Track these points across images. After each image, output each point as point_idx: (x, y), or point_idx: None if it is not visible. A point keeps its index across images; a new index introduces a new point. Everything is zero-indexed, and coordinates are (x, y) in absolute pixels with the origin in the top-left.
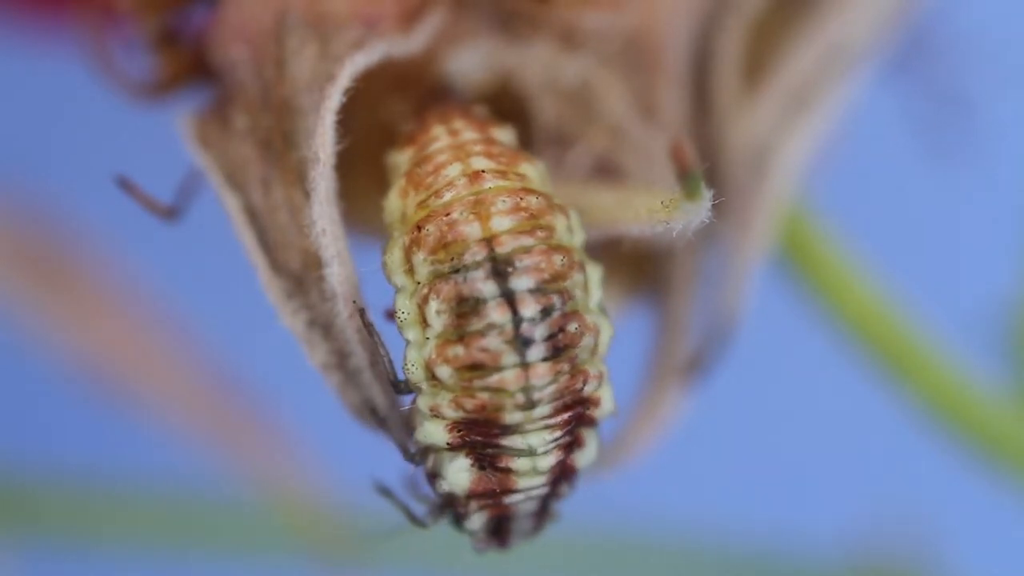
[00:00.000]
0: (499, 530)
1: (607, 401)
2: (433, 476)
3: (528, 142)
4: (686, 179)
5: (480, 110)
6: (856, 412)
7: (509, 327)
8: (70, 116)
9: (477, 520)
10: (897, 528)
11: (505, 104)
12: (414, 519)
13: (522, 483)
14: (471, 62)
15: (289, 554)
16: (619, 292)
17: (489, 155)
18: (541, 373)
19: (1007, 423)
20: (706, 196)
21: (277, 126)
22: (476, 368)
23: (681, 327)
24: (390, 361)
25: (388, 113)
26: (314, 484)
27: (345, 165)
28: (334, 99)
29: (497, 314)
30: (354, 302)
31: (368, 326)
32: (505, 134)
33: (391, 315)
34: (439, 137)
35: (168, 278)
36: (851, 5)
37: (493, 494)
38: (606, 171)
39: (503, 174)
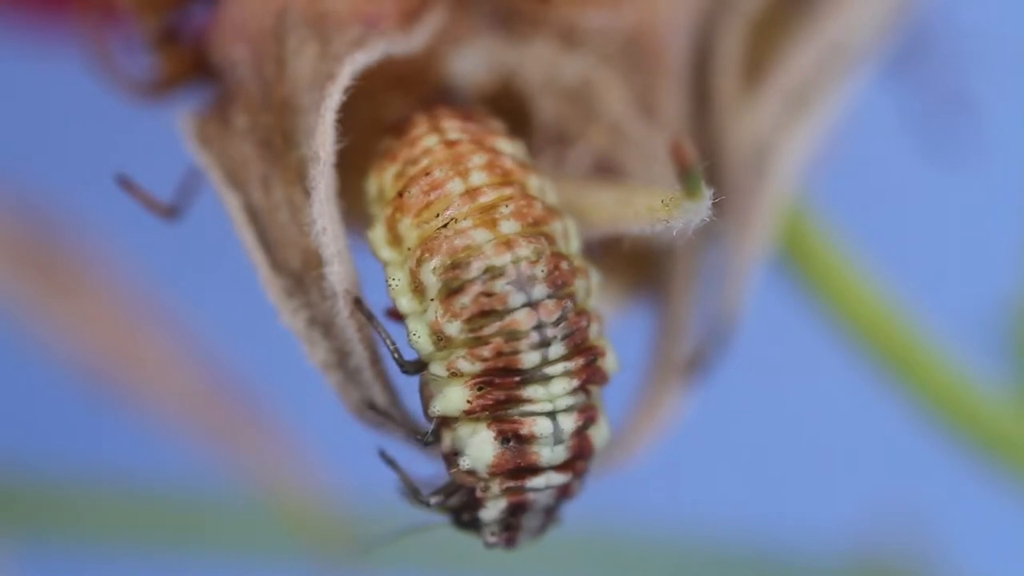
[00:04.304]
0: (510, 525)
1: (611, 354)
2: (453, 455)
3: (528, 141)
4: (686, 178)
5: (470, 105)
6: (856, 412)
7: (511, 267)
8: (70, 116)
9: (495, 507)
10: (897, 528)
11: (505, 103)
12: (418, 496)
13: (544, 455)
14: (471, 61)
15: (289, 554)
16: (619, 292)
17: (464, 130)
18: (551, 309)
19: (1007, 423)
20: (706, 195)
21: (277, 125)
22: (485, 315)
23: (681, 326)
24: (394, 344)
25: (388, 112)
26: (314, 484)
27: (345, 164)
28: (334, 98)
29: (496, 257)
30: (347, 291)
31: (367, 315)
32: (495, 123)
33: (392, 314)
34: (420, 122)
35: (168, 277)
36: (851, 5)
37: (516, 472)
38: (606, 170)
39: (479, 143)
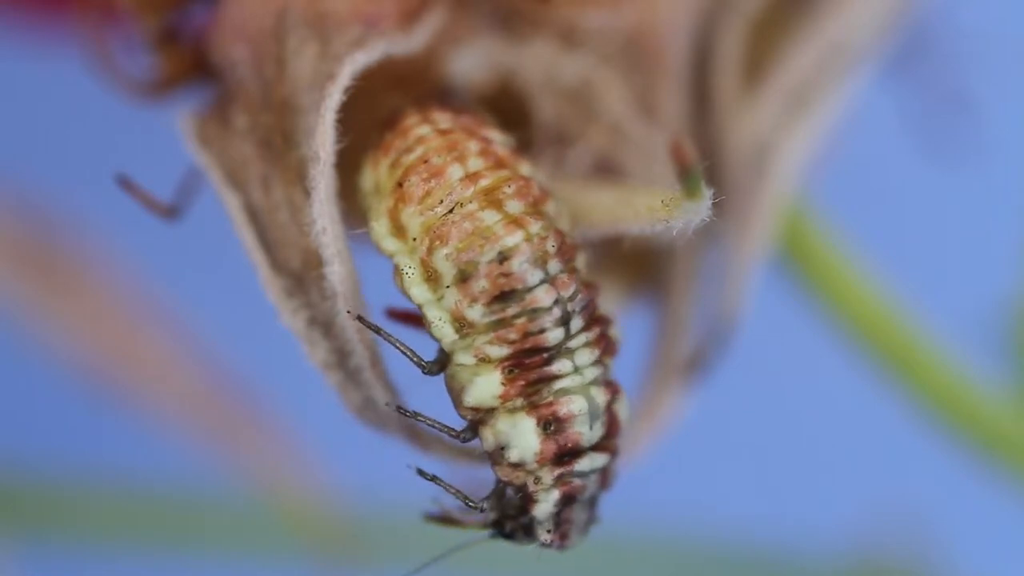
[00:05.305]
0: (561, 521)
1: (617, 323)
2: (499, 450)
3: (528, 141)
4: (686, 178)
5: (465, 103)
6: (856, 412)
7: (524, 245)
8: (70, 116)
9: (548, 500)
10: (897, 528)
11: (505, 104)
12: (470, 503)
13: (585, 434)
14: (471, 61)
15: (289, 554)
16: (619, 291)
17: (455, 121)
18: (566, 282)
19: (1007, 423)
20: (706, 195)
21: (277, 125)
22: (505, 296)
23: (681, 326)
24: (409, 348)
25: (388, 112)
26: (314, 484)
27: (345, 164)
28: (334, 98)
29: (508, 236)
30: (348, 312)
31: (372, 328)
32: (486, 117)
33: (392, 313)
34: (411, 114)
35: (168, 277)
36: (851, 5)
37: (562, 456)
38: (606, 170)
39: (470, 131)
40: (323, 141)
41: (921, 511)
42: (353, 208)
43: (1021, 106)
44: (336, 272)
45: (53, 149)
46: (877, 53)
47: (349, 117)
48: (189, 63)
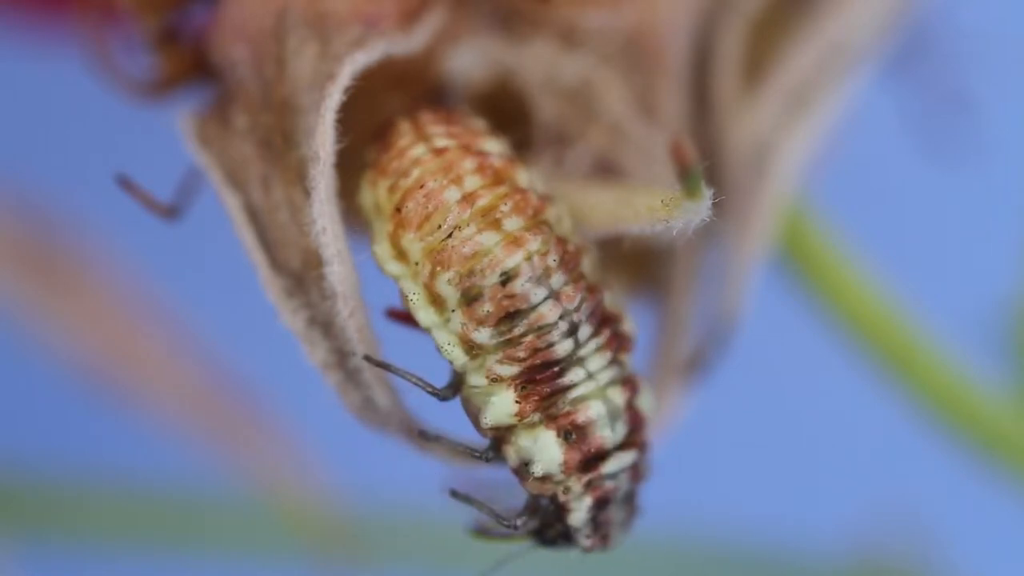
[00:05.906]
0: (600, 523)
1: (629, 318)
2: (524, 466)
3: (528, 141)
4: (686, 178)
5: (453, 105)
6: (856, 412)
7: (525, 264)
8: (70, 116)
9: (581, 507)
10: (897, 528)
11: (505, 103)
12: (504, 522)
13: (608, 436)
14: (471, 61)
15: (289, 554)
16: (619, 291)
17: (450, 135)
18: (571, 294)
19: (1007, 423)
20: (706, 195)
21: (277, 125)
22: (512, 317)
23: (681, 326)
24: (420, 378)
25: (388, 112)
26: (314, 484)
27: (345, 164)
28: (334, 98)
29: (509, 257)
30: (363, 357)
31: (381, 365)
32: (478, 122)
33: (391, 314)
34: (404, 132)
35: (168, 277)
36: (851, 5)
37: (588, 462)
38: (606, 170)
39: (466, 147)
40: (323, 141)
41: (921, 511)
42: (353, 208)
43: (1021, 106)
44: (336, 272)
45: (53, 149)
46: (877, 53)
47: (349, 117)
48: (189, 63)
